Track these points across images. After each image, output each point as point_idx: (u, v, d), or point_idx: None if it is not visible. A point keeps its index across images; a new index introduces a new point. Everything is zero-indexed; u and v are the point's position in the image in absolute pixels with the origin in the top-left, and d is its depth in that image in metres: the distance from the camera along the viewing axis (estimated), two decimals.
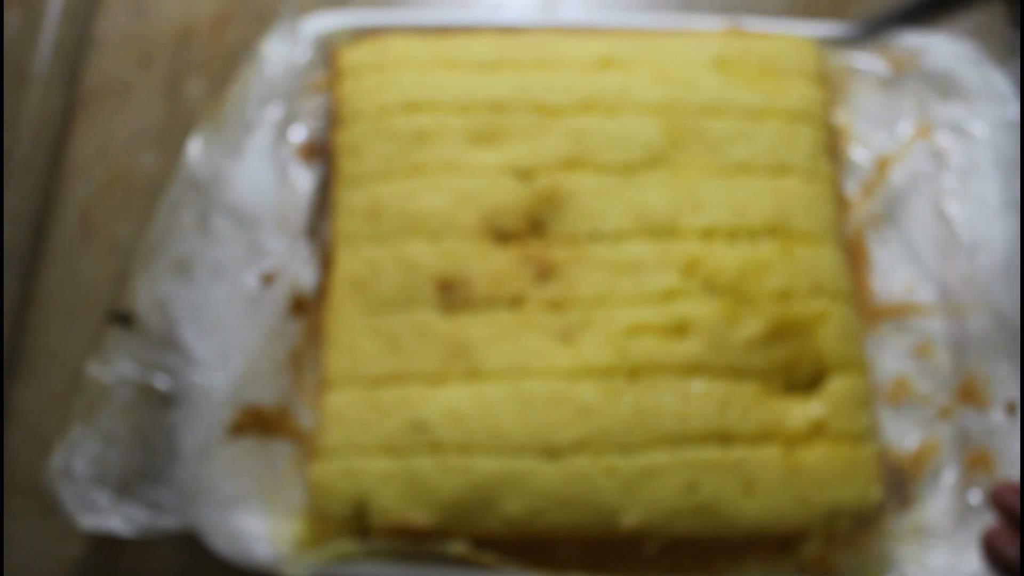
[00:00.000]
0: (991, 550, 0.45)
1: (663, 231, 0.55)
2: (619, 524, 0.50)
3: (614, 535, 0.50)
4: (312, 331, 0.55)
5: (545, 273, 0.54)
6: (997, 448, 0.53)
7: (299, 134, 0.61)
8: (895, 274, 0.58)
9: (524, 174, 0.57)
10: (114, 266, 0.60)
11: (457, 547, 0.49)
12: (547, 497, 0.50)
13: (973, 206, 0.58)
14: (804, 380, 0.52)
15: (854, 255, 0.58)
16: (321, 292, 0.56)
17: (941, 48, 0.62)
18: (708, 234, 0.55)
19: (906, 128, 0.61)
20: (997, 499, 0.46)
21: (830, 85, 0.62)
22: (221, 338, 0.54)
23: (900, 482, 0.53)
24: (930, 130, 0.60)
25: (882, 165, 0.60)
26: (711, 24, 0.62)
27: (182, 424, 0.52)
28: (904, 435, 0.54)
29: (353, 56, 0.61)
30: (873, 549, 0.51)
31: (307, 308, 0.56)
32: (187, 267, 0.55)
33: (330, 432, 0.52)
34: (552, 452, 0.50)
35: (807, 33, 0.62)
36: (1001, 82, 0.60)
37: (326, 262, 0.57)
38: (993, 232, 0.57)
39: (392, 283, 0.54)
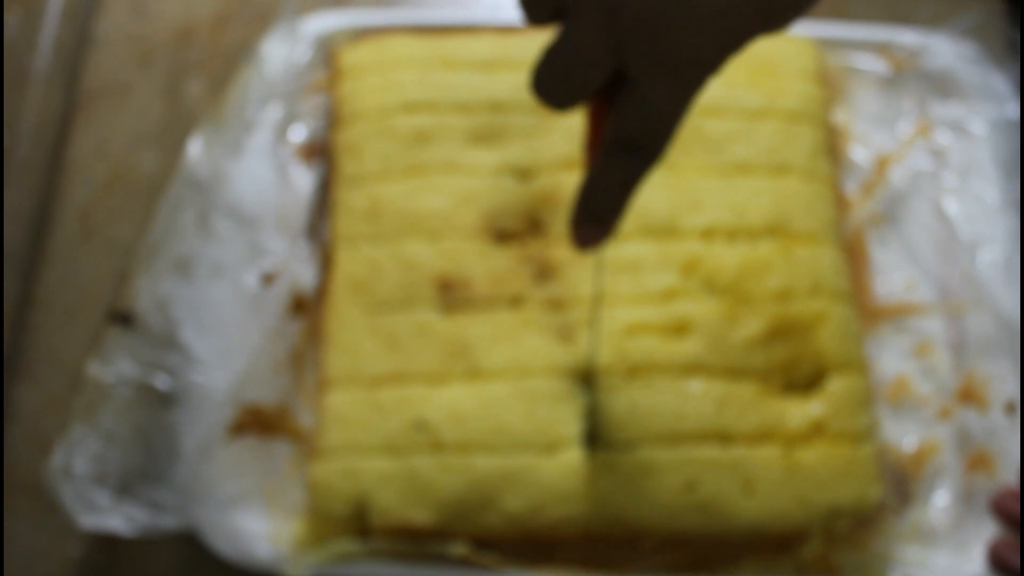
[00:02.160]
0: (997, 561, 0.45)
1: (663, 231, 0.55)
2: (617, 521, 0.50)
3: (612, 533, 0.50)
4: (312, 331, 0.55)
5: (545, 273, 0.54)
6: (997, 448, 0.53)
7: (299, 134, 0.61)
8: (895, 274, 0.58)
9: (524, 174, 0.57)
10: (114, 266, 0.60)
11: (458, 549, 0.49)
12: (546, 494, 0.50)
13: (973, 205, 0.58)
14: (803, 380, 0.52)
15: (854, 255, 0.58)
16: (321, 292, 0.56)
17: (941, 48, 0.62)
18: (708, 234, 0.55)
19: (906, 128, 0.61)
20: (998, 507, 0.46)
21: (830, 85, 0.62)
22: (221, 338, 0.54)
23: (900, 482, 0.53)
24: (930, 129, 0.60)
25: (882, 165, 0.60)
26: None
27: (182, 424, 0.52)
28: (904, 435, 0.54)
29: (353, 56, 0.61)
30: (874, 549, 0.51)
31: (307, 308, 0.56)
32: (187, 267, 0.55)
33: (330, 432, 0.52)
34: (552, 449, 0.50)
35: (807, 33, 0.62)
36: (1001, 82, 0.60)
37: (326, 262, 0.57)
38: (993, 231, 0.57)
39: (392, 283, 0.54)
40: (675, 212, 0.55)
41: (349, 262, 0.55)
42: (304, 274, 0.57)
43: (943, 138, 0.60)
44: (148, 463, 0.52)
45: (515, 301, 0.54)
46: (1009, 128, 0.59)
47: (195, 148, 0.57)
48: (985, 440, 0.53)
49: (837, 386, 0.52)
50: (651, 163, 0.38)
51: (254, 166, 0.58)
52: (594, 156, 0.39)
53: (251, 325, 0.55)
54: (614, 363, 0.52)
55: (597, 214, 0.40)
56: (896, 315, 0.57)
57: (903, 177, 0.60)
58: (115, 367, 0.52)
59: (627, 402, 0.51)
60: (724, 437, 0.51)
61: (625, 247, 0.54)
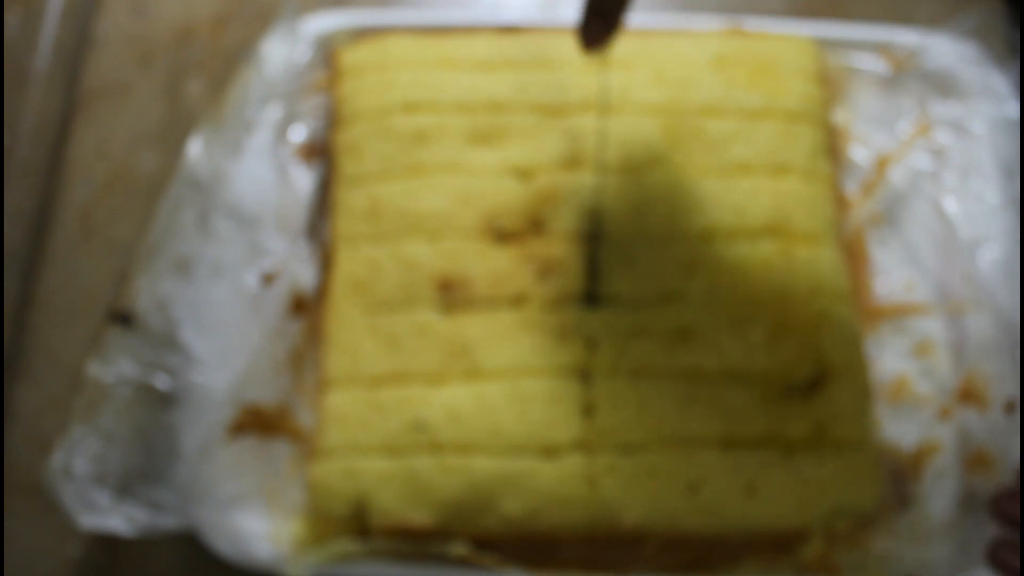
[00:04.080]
0: (997, 562, 0.45)
1: (662, 231, 0.55)
2: (619, 523, 0.50)
3: (614, 535, 0.50)
4: (312, 331, 0.55)
5: (545, 273, 0.54)
6: (997, 448, 0.53)
7: (299, 134, 0.61)
8: (895, 274, 0.58)
9: (524, 174, 0.57)
10: (114, 266, 0.60)
11: (457, 549, 0.49)
12: (546, 496, 0.50)
13: (973, 205, 0.58)
14: (804, 381, 0.52)
15: (854, 255, 0.58)
16: (321, 292, 0.56)
17: (941, 48, 0.62)
18: (708, 234, 0.55)
19: (906, 128, 0.61)
20: (998, 507, 0.45)
21: (830, 85, 0.62)
22: (221, 338, 0.54)
23: (900, 482, 0.53)
24: (930, 129, 0.60)
25: (882, 165, 0.60)
26: (711, 24, 0.62)
27: (182, 424, 0.52)
28: (904, 435, 0.54)
29: (353, 56, 0.61)
30: (874, 549, 0.51)
31: (307, 308, 0.56)
32: (187, 267, 0.55)
33: (330, 432, 0.52)
34: (552, 451, 0.50)
35: (807, 33, 0.62)
36: (1000, 82, 0.60)
37: (326, 262, 0.57)
38: (993, 231, 0.57)
39: (392, 283, 0.54)
40: (675, 212, 0.55)
41: (349, 262, 0.55)
42: (304, 274, 0.57)
43: (943, 138, 0.60)
44: (148, 463, 0.52)
45: (515, 301, 0.54)
46: (1009, 128, 0.59)
47: (195, 148, 0.57)
48: (985, 440, 0.53)
49: (838, 387, 0.52)
50: None
51: (254, 166, 0.58)
52: None
53: (251, 325, 0.55)
54: (616, 365, 0.52)
55: (601, 9, 0.41)
56: (896, 315, 0.56)
57: (903, 177, 0.60)
58: (115, 367, 0.52)
59: (629, 405, 0.51)
60: (726, 439, 0.51)
61: (625, 248, 0.54)
